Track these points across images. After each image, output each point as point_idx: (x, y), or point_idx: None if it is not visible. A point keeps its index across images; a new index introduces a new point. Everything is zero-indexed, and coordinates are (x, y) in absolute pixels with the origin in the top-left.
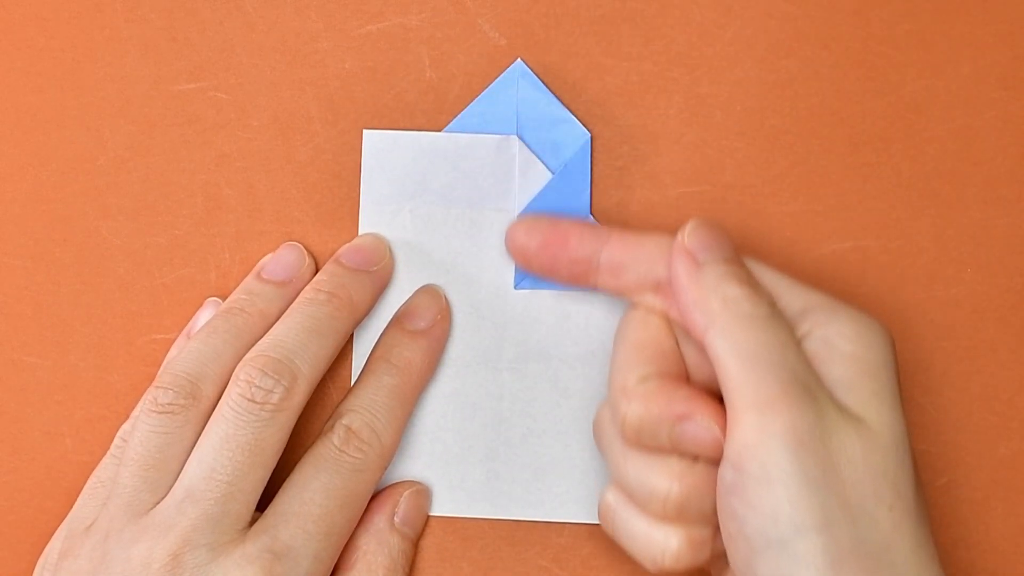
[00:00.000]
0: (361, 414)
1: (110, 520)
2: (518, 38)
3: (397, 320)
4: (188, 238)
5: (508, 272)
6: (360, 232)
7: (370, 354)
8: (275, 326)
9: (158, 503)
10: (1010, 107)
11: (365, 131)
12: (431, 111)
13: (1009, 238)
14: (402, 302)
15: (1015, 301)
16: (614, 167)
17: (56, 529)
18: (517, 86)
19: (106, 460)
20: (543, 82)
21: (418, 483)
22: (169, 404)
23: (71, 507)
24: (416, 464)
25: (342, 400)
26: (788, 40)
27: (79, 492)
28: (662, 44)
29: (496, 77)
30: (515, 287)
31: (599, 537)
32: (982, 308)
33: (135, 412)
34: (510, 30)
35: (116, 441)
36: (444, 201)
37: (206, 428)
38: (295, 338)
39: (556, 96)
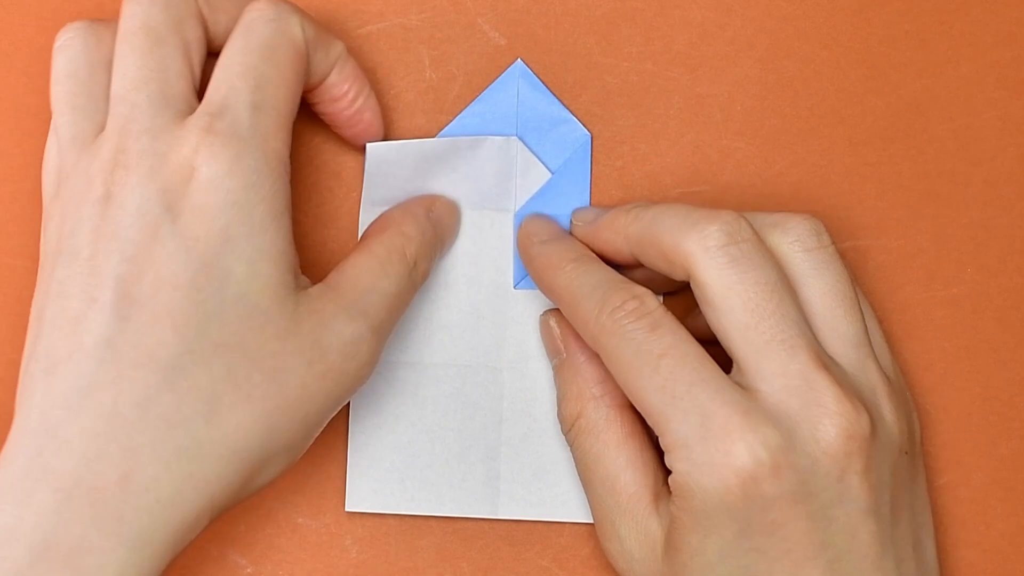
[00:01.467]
0: None
1: (61, 158)
2: (518, 38)
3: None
4: None
5: (508, 272)
6: (359, 232)
7: None
8: None
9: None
10: (1010, 107)
11: (368, 144)
12: (431, 111)
13: (1009, 238)
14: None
15: (1015, 301)
16: (614, 167)
17: None
18: (517, 86)
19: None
20: (543, 82)
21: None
22: (71, 37)
23: None
24: (416, 464)
25: None
26: (788, 40)
27: None
28: (662, 44)
29: (496, 77)
30: (515, 287)
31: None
32: (982, 308)
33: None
34: (510, 30)
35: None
36: None
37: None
38: None
39: (556, 96)
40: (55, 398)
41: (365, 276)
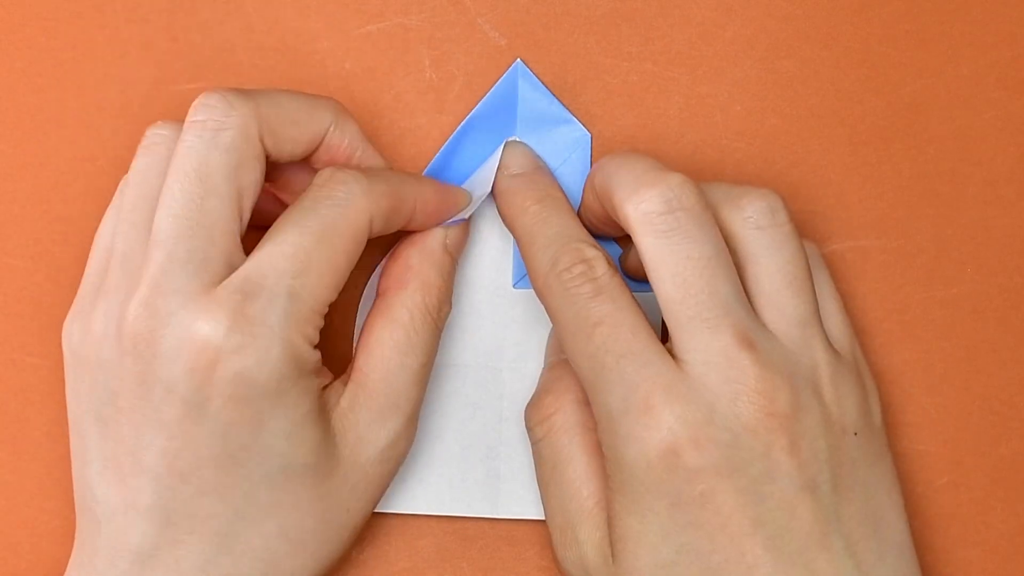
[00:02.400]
0: (352, 168)
1: (111, 277)
2: (518, 38)
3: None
4: None
5: (508, 272)
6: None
7: None
8: None
9: None
10: (1010, 107)
11: None
12: (431, 111)
13: (1009, 238)
14: None
15: (1015, 301)
16: None
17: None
18: (517, 86)
19: (109, 209)
20: (543, 82)
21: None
22: (152, 141)
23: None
24: (416, 464)
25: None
26: (788, 40)
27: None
28: (662, 44)
29: (496, 77)
30: (515, 287)
31: None
32: (982, 308)
33: None
34: (510, 30)
35: (120, 187)
36: None
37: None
38: (265, 88)
39: (556, 96)
40: (119, 549)
41: (392, 357)
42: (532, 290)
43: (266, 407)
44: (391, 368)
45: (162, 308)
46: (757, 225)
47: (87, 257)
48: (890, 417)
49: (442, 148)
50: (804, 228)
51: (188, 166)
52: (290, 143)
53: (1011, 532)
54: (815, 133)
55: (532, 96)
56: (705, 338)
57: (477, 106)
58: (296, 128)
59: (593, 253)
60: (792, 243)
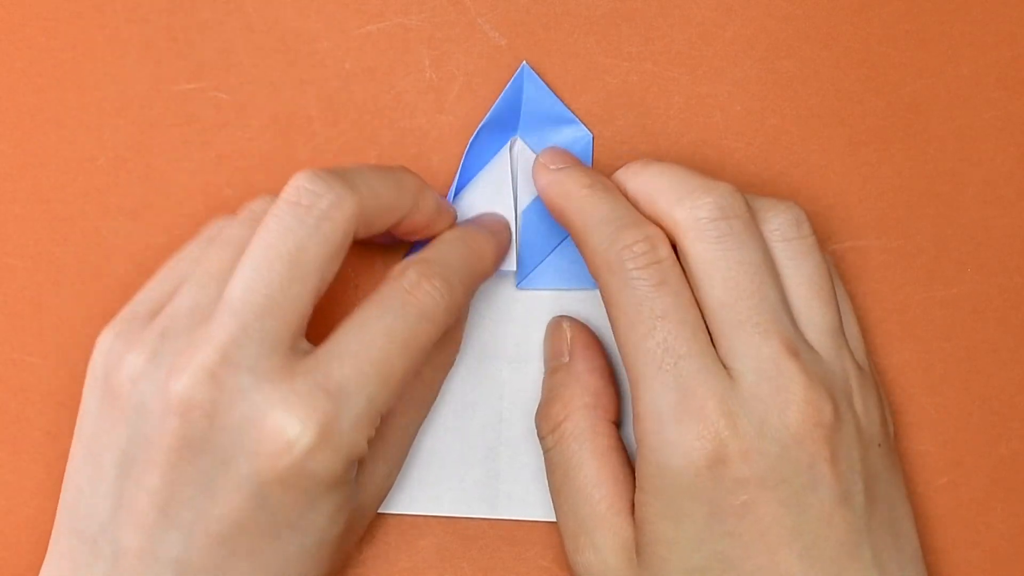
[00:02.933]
0: (435, 265)
1: (172, 318)
2: (518, 38)
3: (471, 220)
4: (188, 238)
5: (508, 272)
6: None
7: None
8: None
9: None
10: (1010, 107)
11: None
12: (431, 111)
13: (1009, 238)
14: None
15: (1015, 301)
16: (614, 167)
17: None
18: (523, 88)
19: (191, 244)
20: (543, 82)
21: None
22: (262, 212)
23: None
24: (416, 465)
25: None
26: (788, 40)
27: None
28: (662, 44)
29: (496, 77)
30: (518, 287)
31: None
32: (982, 308)
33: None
34: (510, 30)
35: (209, 229)
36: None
37: (253, 234)
38: (357, 168)
39: (556, 96)
40: None
41: (412, 428)
42: (532, 290)
43: (319, 495)
44: (407, 436)
45: (230, 382)
46: (784, 237)
47: (87, 257)
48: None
49: (461, 163)
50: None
51: (283, 248)
52: (377, 227)
53: (1011, 532)
54: (815, 133)
55: (535, 96)
56: (756, 343)
57: (487, 115)
58: (387, 215)
59: (654, 231)
60: (816, 254)
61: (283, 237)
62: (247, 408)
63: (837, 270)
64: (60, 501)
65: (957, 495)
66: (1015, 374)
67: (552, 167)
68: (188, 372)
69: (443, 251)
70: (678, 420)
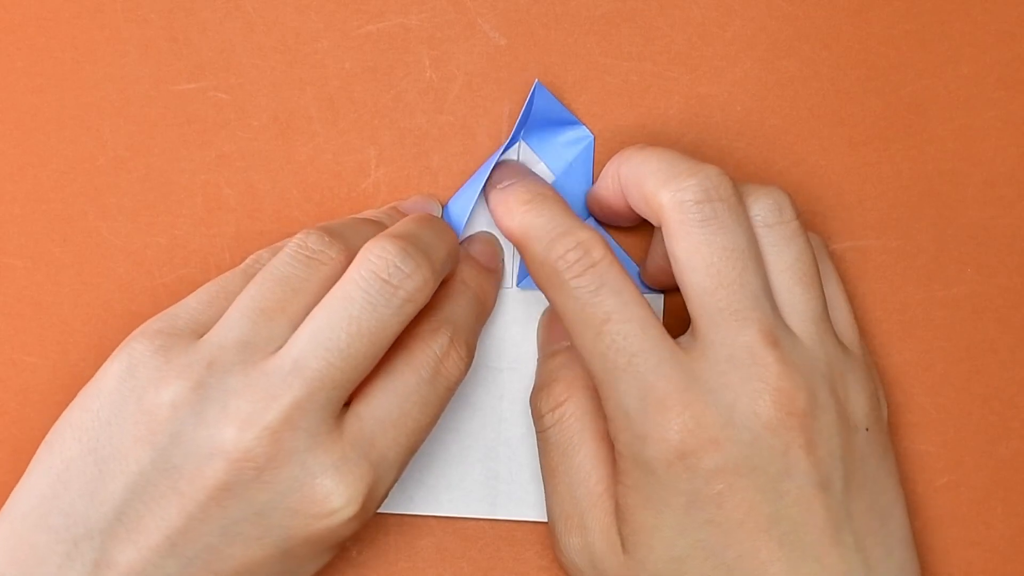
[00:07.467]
0: (461, 330)
1: (220, 348)
2: (518, 38)
3: (469, 256)
4: (188, 238)
5: (508, 272)
6: None
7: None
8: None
9: (268, 357)
10: (1010, 107)
11: None
12: (431, 111)
13: (1009, 238)
14: None
15: (1015, 301)
16: None
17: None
18: (533, 103)
19: (235, 272)
20: (543, 82)
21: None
22: (318, 251)
23: None
24: (416, 464)
25: (432, 306)
26: (788, 40)
27: None
28: (662, 44)
29: (496, 77)
30: (517, 286)
31: None
32: (982, 308)
33: (278, 245)
34: (510, 30)
35: (248, 260)
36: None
37: (329, 294)
38: (430, 235)
39: (556, 97)
40: None
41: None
42: (532, 290)
43: (331, 549)
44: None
45: (288, 443)
46: (765, 223)
47: (87, 257)
48: (890, 417)
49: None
50: (804, 228)
51: (365, 325)
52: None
53: (1011, 532)
54: (815, 133)
55: (539, 101)
56: (733, 332)
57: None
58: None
59: (587, 235)
60: (799, 239)
61: (368, 313)
62: (298, 470)
63: (826, 251)
64: (28, 484)
65: (957, 495)
66: (1015, 374)
67: (500, 186)
68: (250, 426)
69: (464, 310)
70: (643, 416)
